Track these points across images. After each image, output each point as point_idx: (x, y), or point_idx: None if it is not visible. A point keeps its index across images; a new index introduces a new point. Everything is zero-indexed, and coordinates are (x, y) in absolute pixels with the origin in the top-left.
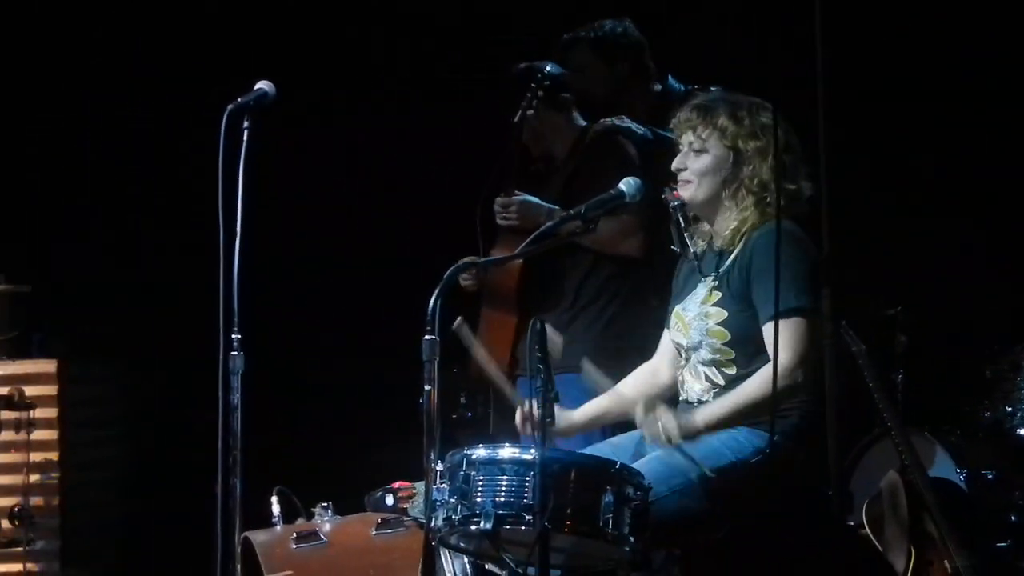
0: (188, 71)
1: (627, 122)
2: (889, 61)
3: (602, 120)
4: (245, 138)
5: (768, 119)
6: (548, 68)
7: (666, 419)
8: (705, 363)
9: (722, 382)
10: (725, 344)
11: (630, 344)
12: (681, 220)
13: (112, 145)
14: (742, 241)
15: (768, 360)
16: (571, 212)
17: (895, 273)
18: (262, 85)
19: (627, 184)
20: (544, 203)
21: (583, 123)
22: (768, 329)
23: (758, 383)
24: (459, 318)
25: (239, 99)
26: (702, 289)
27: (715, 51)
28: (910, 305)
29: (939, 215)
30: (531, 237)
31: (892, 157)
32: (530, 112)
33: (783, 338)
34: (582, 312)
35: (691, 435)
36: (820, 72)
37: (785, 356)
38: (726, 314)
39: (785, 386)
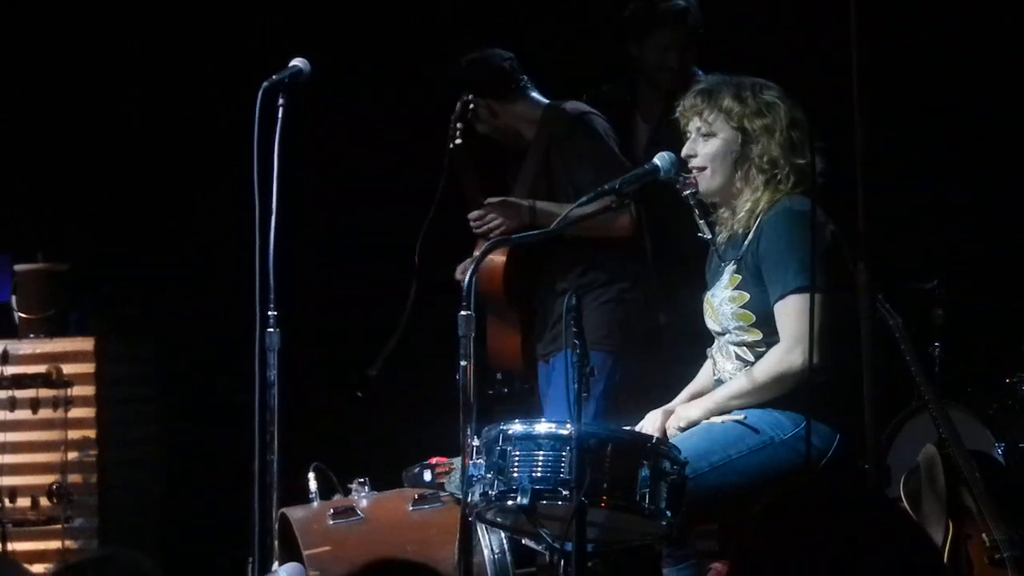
0: (224, 47)
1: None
2: (926, 31)
3: (572, 102)
4: (280, 115)
5: (772, 97)
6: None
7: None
8: (735, 344)
9: (752, 359)
10: (751, 326)
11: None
12: (697, 209)
13: (148, 122)
14: (756, 222)
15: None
16: (605, 187)
17: (931, 246)
18: (297, 62)
19: (661, 159)
20: (520, 200)
21: (545, 101)
22: (780, 307)
23: (750, 373)
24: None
25: (274, 76)
26: (726, 274)
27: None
28: (947, 278)
29: (976, 187)
30: (563, 214)
31: (927, 128)
32: (458, 142)
33: (780, 319)
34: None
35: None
36: (855, 44)
37: (784, 336)
38: (748, 296)
39: (785, 369)
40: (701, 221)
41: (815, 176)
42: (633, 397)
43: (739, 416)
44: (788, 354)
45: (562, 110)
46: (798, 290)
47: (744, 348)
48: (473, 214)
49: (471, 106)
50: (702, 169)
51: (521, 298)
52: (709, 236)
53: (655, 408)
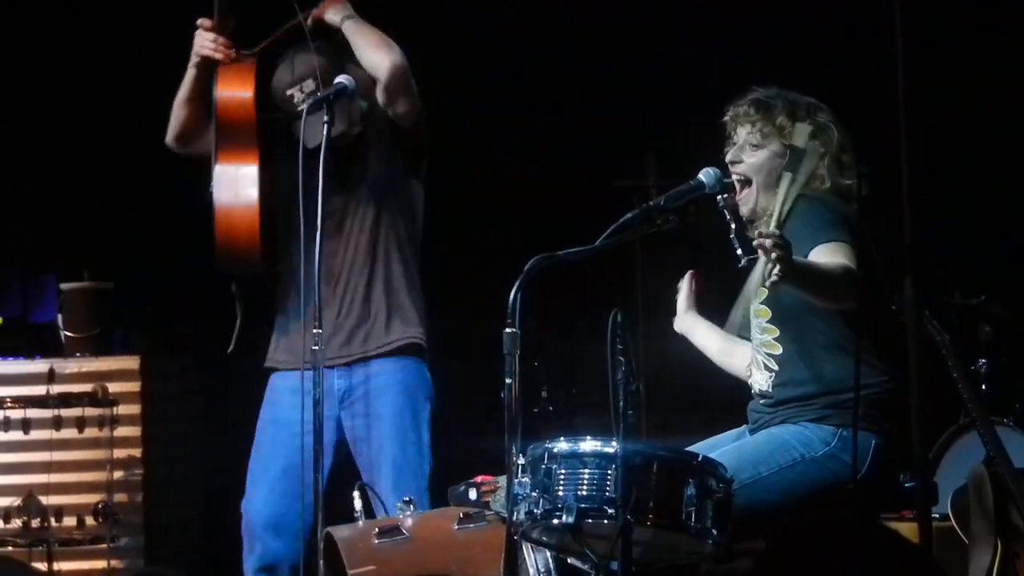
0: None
1: None
2: (971, 43)
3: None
4: (325, 131)
5: (825, 119)
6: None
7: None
8: (759, 347)
9: (775, 367)
10: (768, 322)
11: None
12: (732, 221)
13: None
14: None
15: (815, 337)
16: (650, 204)
17: (979, 262)
18: (342, 79)
19: (706, 174)
20: None
21: None
22: (816, 252)
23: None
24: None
25: (319, 92)
26: (756, 276)
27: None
28: (994, 294)
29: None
30: (610, 230)
31: (976, 143)
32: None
33: (831, 255)
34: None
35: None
36: (901, 59)
37: (840, 262)
38: (766, 292)
39: (847, 273)
40: (733, 237)
41: (861, 187)
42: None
43: (767, 435)
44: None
45: None
46: (837, 240)
47: (765, 352)
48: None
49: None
50: (746, 182)
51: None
52: (741, 252)
53: None
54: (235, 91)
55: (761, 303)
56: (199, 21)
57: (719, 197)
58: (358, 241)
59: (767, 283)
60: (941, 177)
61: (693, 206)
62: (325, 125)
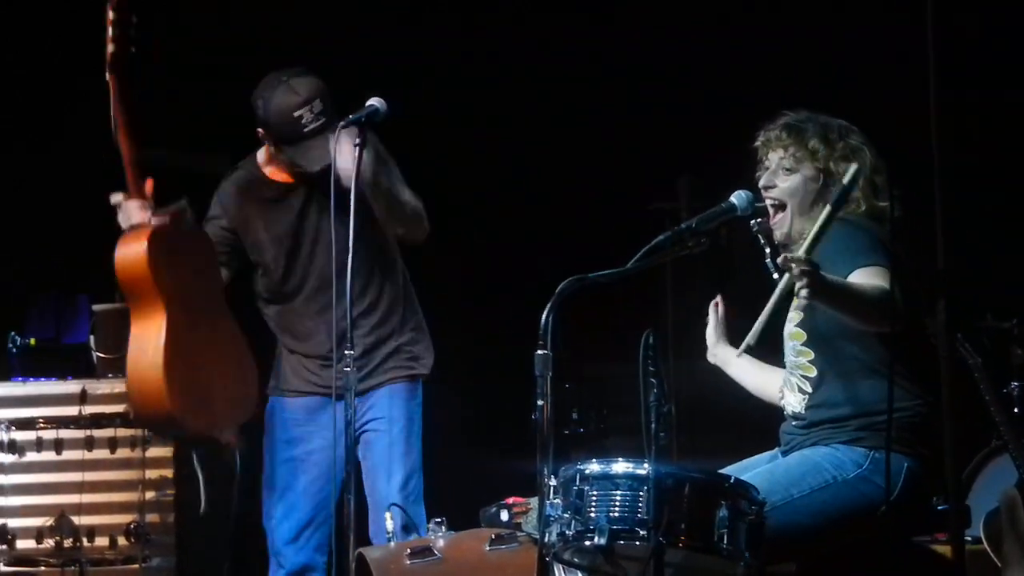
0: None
1: None
2: (1006, 62)
3: None
4: (357, 153)
5: (857, 141)
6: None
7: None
8: (793, 370)
9: (809, 389)
10: (803, 344)
11: None
12: (766, 245)
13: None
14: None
15: (849, 360)
16: (682, 226)
17: (1011, 285)
18: (373, 101)
19: (739, 197)
20: None
21: None
22: (855, 276)
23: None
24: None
25: (351, 115)
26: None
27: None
28: None
29: None
30: (641, 252)
31: (1009, 165)
32: None
33: (869, 278)
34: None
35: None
36: (933, 83)
37: (877, 284)
38: (802, 315)
39: (882, 294)
40: (768, 261)
41: (893, 205)
42: None
43: (799, 456)
44: (887, 297)
45: None
46: (875, 264)
47: (800, 374)
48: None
49: None
50: (780, 206)
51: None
52: (776, 276)
53: None
54: (128, 248)
55: (796, 326)
56: (113, 199)
57: (753, 221)
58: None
59: (799, 305)
60: (974, 200)
61: (725, 228)
62: (356, 147)
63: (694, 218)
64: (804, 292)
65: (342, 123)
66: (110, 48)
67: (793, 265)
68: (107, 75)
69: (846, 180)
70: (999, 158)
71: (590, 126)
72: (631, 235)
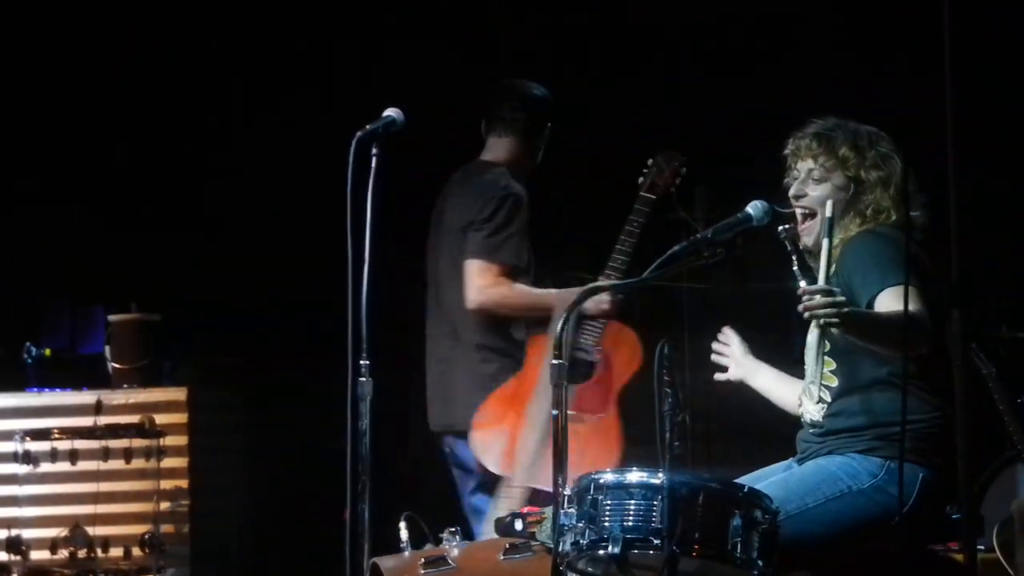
0: (316, 97)
1: None
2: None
3: None
4: (374, 164)
5: (887, 148)
6: None
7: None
8: (814, 380)
9: (828, 399)
10: (826, 354)
11: None
12: (793, 252)
13: (242, 172)
14: (839, 251)
15: (868, 371)
16: (698, 236)
17: None
18: (390, 112)
19: (754, 207)
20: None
21: None
22: (880, 300)
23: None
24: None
25: (368, 126)
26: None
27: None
28: None
29: None
30: (657, 262)
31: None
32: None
33: (897, 300)
34: None
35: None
36: (949, 92)
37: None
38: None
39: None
40: (796, 269)
41: (908, 209)
42: None
43: (814, 466)
44: (922, 318)
45: None
46: (900, 284)
47: (821, 384)
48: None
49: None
50: (810, 215)
51: None
52: (804, 284)
53: None
54: None
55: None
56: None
57: (780, 228)
58: None
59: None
60: (988, 210)
61: (740, 239)
62: (374, 157)
63: (710, 228)
64: (832, 325)
65: (359, 134)
66: None
67: (814, 301)
68: None
69: (828, 213)
70: (1013, 166)
71: (606, 136)
72: (647, 245)
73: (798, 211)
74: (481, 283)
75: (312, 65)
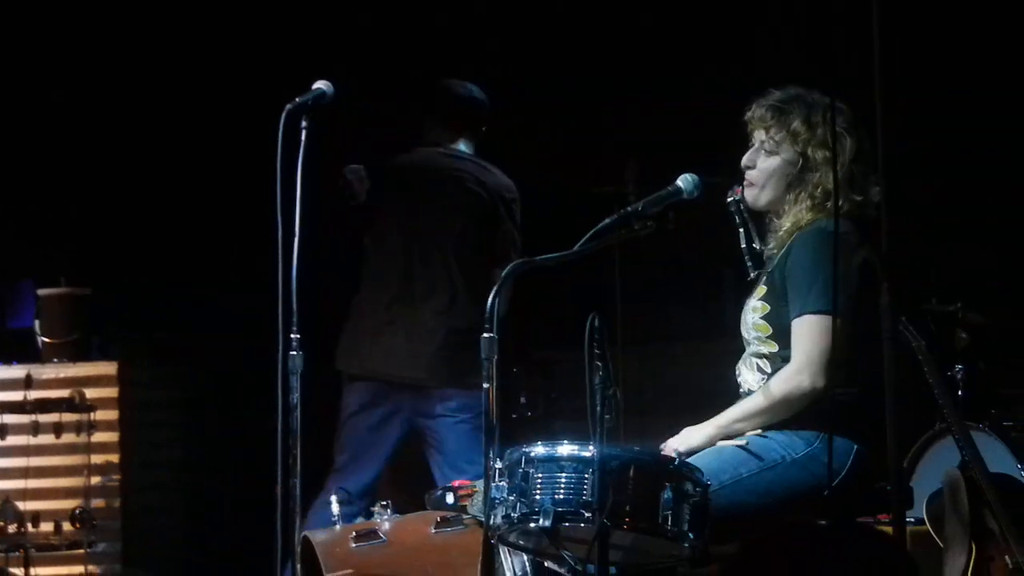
0: (246, 69)
1: None
2: (949, 53)
3: None
4: (304, 137)
5: (842, 125)
6: None
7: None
8: (757, 356)
9: (769, 370)
10: (768, 337)
11: None
12: (737, 217)
13: (170, 146)
14: (791, 239)
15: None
16: (628, 209)
17: (955, 268)
18: (320, 85)
19: (684, 180)
20: None
21: None
22: (795, 326)
23: (757, 395)
24: None
25: (297, 98)
26: (759, 284)
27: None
28: (970, 301)
29: (1000, 209)
30: (588, 235)
31: (954, 151)
32: None
33: (795, 338)
34: None
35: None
36: (878, 67)
37: (795, 357)
38: (768, 308)
39: (791, 389)
40: (741, 230)
41: (837, 200)
42: None
43: (750, 436)
44: (797, 375)
45: None
46: (816, 312)
47: (764, 360)
48: None
49: None
50: (752, 184)
51: None
52: (745, 246)
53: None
54: None
55: (761, 318)
56: None
57: (731, 198)
58: None
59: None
60: (917, 184)
61: (672, 212)
62: (304, 131)
63: (640, 201)
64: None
65: (289, 106)
66: None
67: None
68: None
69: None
70: (942, 140)
71: (537, 108)
72: (578, 218)
73: (746, 182)
74: None
75: (243, 36)
